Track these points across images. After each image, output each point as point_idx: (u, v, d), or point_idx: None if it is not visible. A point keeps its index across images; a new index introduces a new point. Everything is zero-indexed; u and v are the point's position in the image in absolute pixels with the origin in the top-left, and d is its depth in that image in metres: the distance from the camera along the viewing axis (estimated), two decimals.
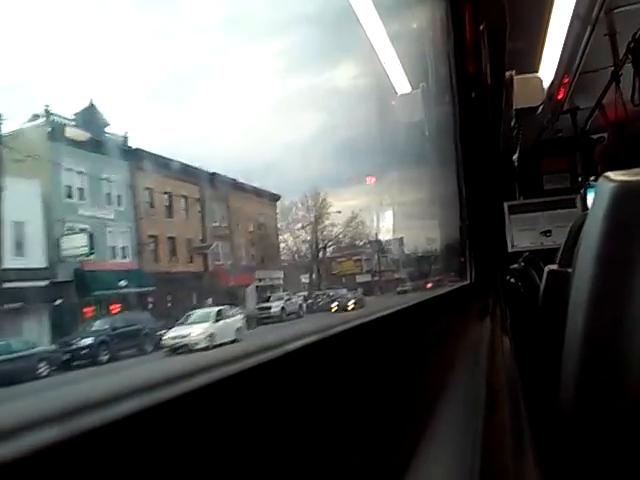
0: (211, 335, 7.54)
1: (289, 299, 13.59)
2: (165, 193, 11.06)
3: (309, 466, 0.45)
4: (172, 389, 0.32)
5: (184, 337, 7.19)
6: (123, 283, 8.89)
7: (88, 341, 7.15)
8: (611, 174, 1.05)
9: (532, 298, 2.79)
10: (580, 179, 5.93)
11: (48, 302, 7.35)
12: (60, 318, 7.54)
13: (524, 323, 2.72)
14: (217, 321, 8.34)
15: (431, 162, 3.04)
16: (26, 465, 0.22)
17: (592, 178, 5.56)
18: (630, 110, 3.65)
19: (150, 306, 9.58)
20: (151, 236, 10.58)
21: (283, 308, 12.88)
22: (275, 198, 16.79)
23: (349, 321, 0.66)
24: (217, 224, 12.97)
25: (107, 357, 7.12)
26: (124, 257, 9.59)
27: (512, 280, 4.14)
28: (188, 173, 11.22)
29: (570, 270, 1.35)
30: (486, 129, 3.16)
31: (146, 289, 9.49)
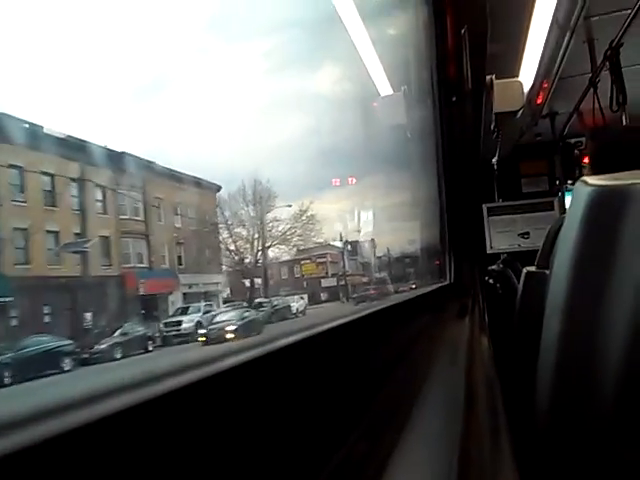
0: None
1: (209, 311, 11.13)
2: (45, 174, 9.03)
3: (290, 462, 0.45)
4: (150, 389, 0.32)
5: None
6: None
7: None
8: (588, 178, 1.07)
9: (510, 299, 2.83)
10: (558, 182, 6.02)
11: None
12: None
13: (502, 323, 2.76)
14: None
15: (412, 164, 3.07)
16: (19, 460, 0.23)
17: (570, 182, 5.65)
18: (607, 116, 3.72)
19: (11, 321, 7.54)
20: (17, 229, 8.63)
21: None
22: (214, 189, 14.88)
23: (327, 322, 0.67)
24: (127, 217, 10.82)
25: None
26: None
27: (491, 281, 4.19)
28: (84, 151, 8.93)
29: (547, 272, 1.37)
30: (467, 132, 3.20)
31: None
